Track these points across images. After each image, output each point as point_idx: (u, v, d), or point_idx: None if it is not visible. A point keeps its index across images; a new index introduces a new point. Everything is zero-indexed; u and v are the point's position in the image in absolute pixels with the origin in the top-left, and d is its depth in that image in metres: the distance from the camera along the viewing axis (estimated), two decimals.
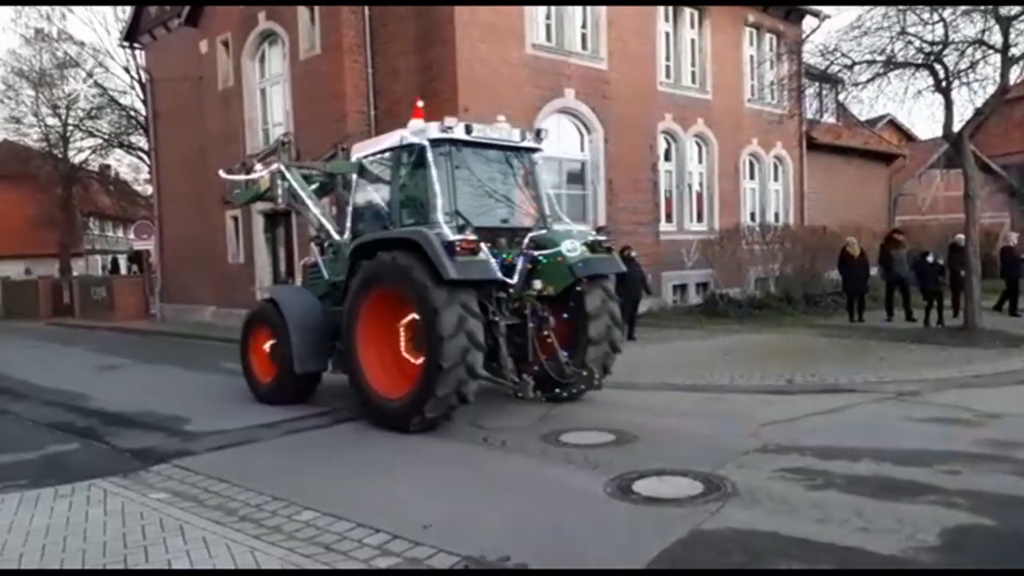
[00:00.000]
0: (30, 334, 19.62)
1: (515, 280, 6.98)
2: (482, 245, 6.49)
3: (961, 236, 12.03)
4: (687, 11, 17.04)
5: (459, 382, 6.19)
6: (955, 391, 7.48)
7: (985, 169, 23.52)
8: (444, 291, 6.13)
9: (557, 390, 7.05)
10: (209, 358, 10.73)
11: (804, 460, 5.18)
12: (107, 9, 28.30)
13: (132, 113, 28.43)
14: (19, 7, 27.79)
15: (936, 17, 10.62)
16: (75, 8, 28.23)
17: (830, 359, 9.50)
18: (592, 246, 7.28)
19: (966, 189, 11.37)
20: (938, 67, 10.96)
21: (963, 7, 10.43)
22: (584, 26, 14.67)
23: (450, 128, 6.94)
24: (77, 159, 30.75)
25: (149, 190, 26.03)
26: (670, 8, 16.65)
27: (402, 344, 6.84)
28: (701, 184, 17.68)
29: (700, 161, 17.60)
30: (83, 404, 8.50)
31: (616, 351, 7.49)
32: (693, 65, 17.29)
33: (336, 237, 8.00)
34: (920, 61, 11.08)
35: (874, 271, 14.78)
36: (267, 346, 8.01)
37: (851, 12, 15.54)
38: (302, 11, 14.42)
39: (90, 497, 4.83)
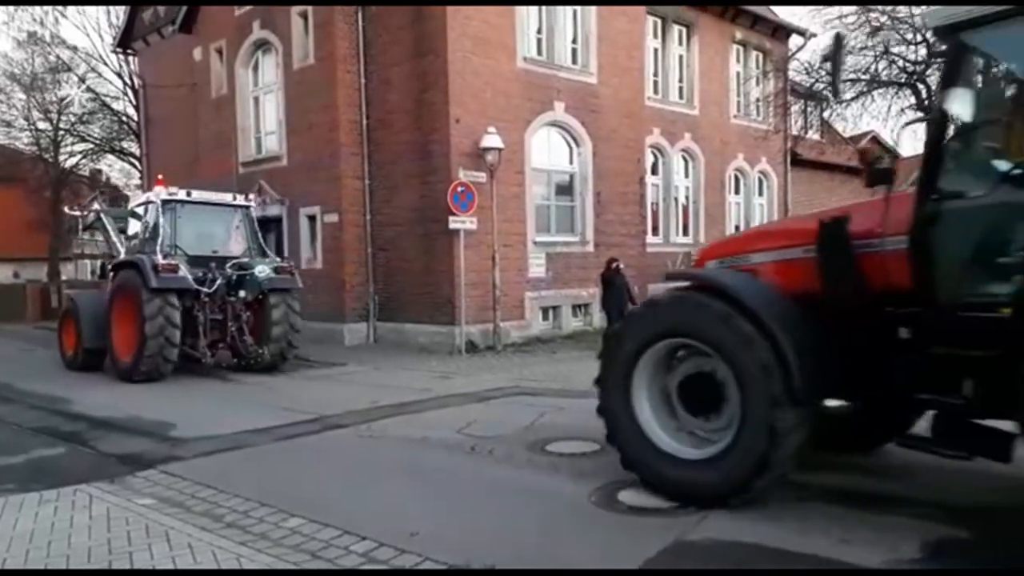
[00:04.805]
0: (17, 337, 19.40)
1: (213, 290, 10.32)
2: (181, 266, 10.01)
3: None
4: (676, 27, 17.27)
5: (160, 347, 9.70)
6: None
7: None
8: (151, 293, 9.64)
9: (236, 359, 10.89)
10: (196, 364, 10.72)
11: None
12: (101, 14, 28.40)
13: (124, 119, 28.33)
14: (12, 11, 27.72)
15: (919, 38, 10.86)
16: (69, 13, 28.14)
17: None
18: (277, 269, 10.81)
19: None
20: (921, 86, 11.19)
21: None
22: (575, 41, 14.82)
23: (175, 193, 10.77)
24: (68, 163, 30.55)
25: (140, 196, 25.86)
26: (659, 24, 16.87)
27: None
28: (687, 198, 17.86)
29: (686, 175, 17.78)
30: (69, 408, 8.44)
31: (293, 343, 10.89)
32: (681, 81, 17.50)
33: (122, 258, 11.29)
34: (903, 80, 11.31)
35: None
36: (71, 331, 11.51)
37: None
38: (296, 20, 14.50)
39: (75, 502, 4.81)
